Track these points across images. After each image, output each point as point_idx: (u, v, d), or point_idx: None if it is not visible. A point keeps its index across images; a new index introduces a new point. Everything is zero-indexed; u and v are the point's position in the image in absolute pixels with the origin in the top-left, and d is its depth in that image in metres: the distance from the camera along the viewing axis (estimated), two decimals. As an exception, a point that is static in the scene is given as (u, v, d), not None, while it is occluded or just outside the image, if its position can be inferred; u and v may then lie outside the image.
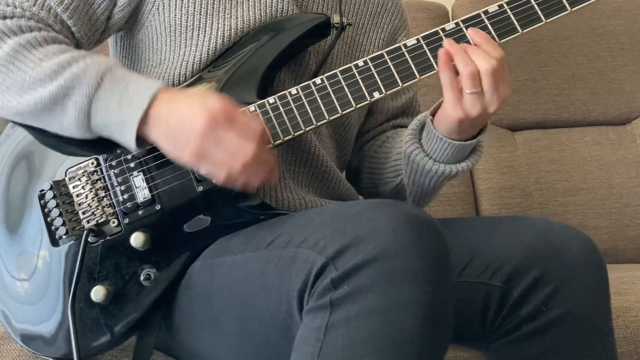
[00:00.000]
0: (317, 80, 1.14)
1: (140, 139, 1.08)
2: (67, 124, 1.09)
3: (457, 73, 1.12)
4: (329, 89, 1.14)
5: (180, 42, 1.22)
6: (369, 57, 1.15)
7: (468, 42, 1.14)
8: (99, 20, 1.20)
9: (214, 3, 1.22)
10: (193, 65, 1.21)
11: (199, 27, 1.21)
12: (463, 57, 1.10)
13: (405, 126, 1.40)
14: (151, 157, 1.14)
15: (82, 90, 1.06)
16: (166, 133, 1.06)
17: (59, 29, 1.16)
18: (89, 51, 1.15)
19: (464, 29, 1.15)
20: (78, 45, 1.20)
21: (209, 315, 1.12)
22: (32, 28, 1.12)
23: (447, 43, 1.12)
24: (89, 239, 1.14)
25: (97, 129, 1.09)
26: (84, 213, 1.15)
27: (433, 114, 1.20)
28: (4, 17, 1.13)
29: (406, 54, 1.15)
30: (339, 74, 1.14)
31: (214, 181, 1.10)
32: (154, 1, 1.22)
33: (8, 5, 1.14)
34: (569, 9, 1.15)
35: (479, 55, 1.11)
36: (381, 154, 1.36)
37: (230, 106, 1.06)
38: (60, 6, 1.16)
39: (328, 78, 1.14)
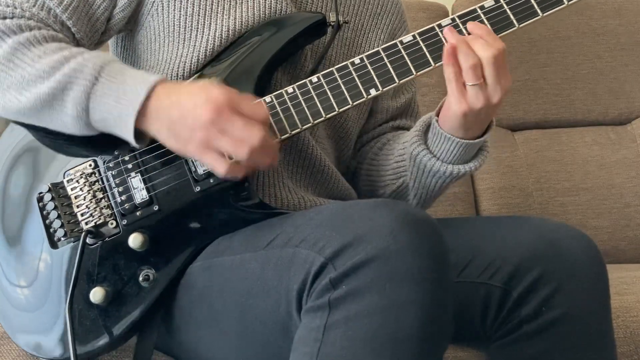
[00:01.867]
0: (314, 78, 1.14)
1: (141, 133, 1.07)
2: (67, 120, 1.08)
3: (459, 67, 1.12)
4: (326, 87, 1.14)
5: (178, 42, 1.22)
6: (365, 54, 1.15)
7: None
8: (99, 21, 1.20)
9: (212, 4, 1.22)
10: (191, 66, 1.21)
11: (197, 27, 1.22)
12: (465, 49, 1.10)
13: (405, 127, 1.40)
14: (149, 158, 1.14)
15: (80, 85, 1.06)
16: (168, 127, 1.05)
17: (59, 29, 1.16)
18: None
19: (460, 24, 1.15)
20: (79, 46, 1.20)
21: (208, 315, 1.12)
22: (32, 27, 1.13)
23: (448, 33, 1.12)
24: (87, 241, 1.14)
25: (96, 125, 1.08)
26: (82, 215, 1.15)
27: (437, 114, 1.21)
28: (4, 18, 1.13)
29: (402, 50, 1.14)
30: (335, 72, 1.14)
31: (216, 173, 1.08)
32: (153, 1, 1.22)
33: (8, 6, 1.14)
34: (566, 3, 1.15)
35: (480, 45, 1.10)
36: (382, 156, 1.36)
37: (233, 94, 1.04)
38: (59, 7, 1.16)
39: (324, 76, 1.14)
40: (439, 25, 1.15)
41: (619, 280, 1.45)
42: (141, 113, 1.05)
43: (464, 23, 1.15)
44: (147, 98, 1.05)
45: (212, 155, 1.05)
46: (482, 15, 1.15)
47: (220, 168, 1.05)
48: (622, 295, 1.39)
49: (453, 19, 1.15)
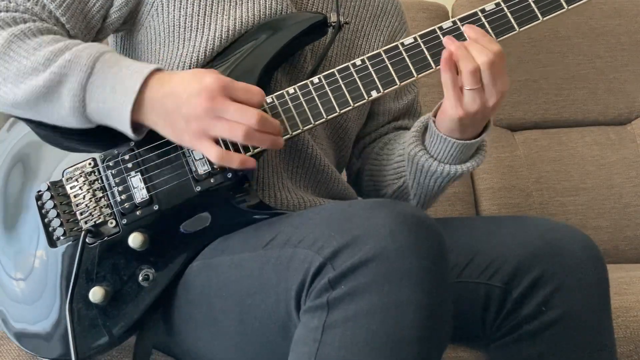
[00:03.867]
0: (315, 79, 1.14)
1: (138, 125, 1.08)
2: (63, 113, 1.09)
3: (456, 72, 1.12)
4: (327, 88, 1.14)
5: (178, 43, 1.22)
6: (367, 56, 1.15)
7: (466, 39, 1.14)
8: (94, 19, 1.20)
9: (212, 4, 1.22)
10: (190, 66, 1.21)
11: (197, 28, 1.21)
12: (464, 54, 1.10)
13: (406, 127, 1.40)
14: (149, 157, 1.14)
15: (75, 76, 1.06)
16: (164, 118, 1.06)
17: (54, 24, 1.17)
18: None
19: (460, 27, 1.15)
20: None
21: (207, 315, 1.12)
22: (27, 20, 1.13)
23: (447, 40, 1.12)
24: (86, 240, 1.13)
25: (93, 116, 1.09)
26: (81, 214, 1.14)
27: (435, 115, 1.21)
28: None
29: (403, 52, 1.15)
30: (336, 73, 1.14)
31: (211, 159, 1.08)
32: (153, 2, 1.22)
33: (2, 0, 1.14)
34: (566, 7, 1.15)
35: (476, 49, 1.10)
36: (383, 156, 1.36)
37: (225, 80, 1.05)
38: (53, 3, 1.16)
39: (326, 77, 1.14)
40: (440, 28, 1.15)
41: (619, 280, 1.45)
42: (136, 105, 1.06)
43: (464, 25, 1.15)
44: (141, 90, 1.05)
45: (206, 142, 1.06)
46: (482, 18, 1.15)
47: (213, 154, 1.06)
48: (622, 295, 1.39)
49: (454, 22, 1.15)
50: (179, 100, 1.05)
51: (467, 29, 1.13)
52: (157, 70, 1.08)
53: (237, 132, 1.04)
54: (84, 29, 1.20)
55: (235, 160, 1.07)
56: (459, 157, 1.21)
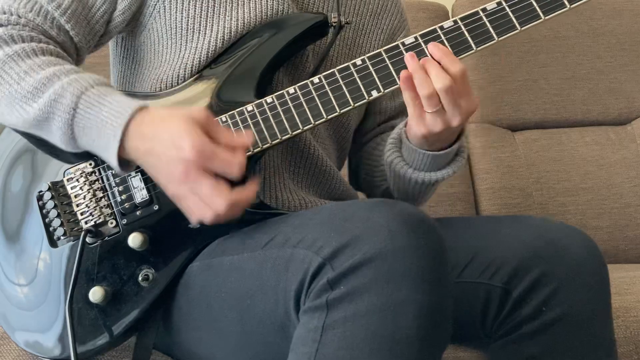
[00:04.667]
0: (315, 79, 1.14)
1: (126, 160, 1.07)
2: (57, 142, 1.09)
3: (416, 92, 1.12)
4: (327, 88, 1.14)
5: (181, 44, 1.22)
6: (367, 55, 1.15)
7: (462, 40, 1.14)
8: (98, 24, 1.20)
9: (214, 6, 1.22)
10: (192, 67, 1.21)
11: (199, 29, 1.22)
12: (420, 77, 1.10)
13: None
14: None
15: (60, 117, 1.06)
16: (147, 169, 1.06)
17: (56, 34, 1.16)
18: (74, 65, 1.14)
19: (462, 27, 1.14)
20: (77, 49, 1.20)
21: (207, 315, 1.12)
22: (24, 38, 1.13)
23: (408, 58, 1.12)
24: (87, 240, 1.14)
25: (85, 148, 1.09)
26: (82, 214, 1.15)
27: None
28: None
29: (404, 52, 1.14)
30: (336, 73, 1.14)
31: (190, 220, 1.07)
32: (155, 4, 1.22)
33: (4, 13, 1.15)
34: (568, 6, 1.15)
35: (434, 74, 1.10)
36: (374, 156, 1.37)
37: (204, 145, 1.01)
38: (57, 10, 1.16)
39: (326, 77, 1.14)
40: (441, 28, 1.14)
41: (619, 280, 1.45)
42: (120, 149, 1.04)
43: (466, 25, 1.14)
44: (123, 138, 1.03)
45: (184, 205, 1.05)
46: (484, 18, 1.14)
47: (192, 218, 1.05)
48: (622, 295, 1.39)
49: (455, 21, 1.14)
50: (157, 163, 1.03)
51: (431, 48, 1.12)
52: (137, 113, 1.05)
53: (205, 215, 1.03)
54: (88, 35, 1.20)
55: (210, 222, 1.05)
56: (432, 165, 1.22)
